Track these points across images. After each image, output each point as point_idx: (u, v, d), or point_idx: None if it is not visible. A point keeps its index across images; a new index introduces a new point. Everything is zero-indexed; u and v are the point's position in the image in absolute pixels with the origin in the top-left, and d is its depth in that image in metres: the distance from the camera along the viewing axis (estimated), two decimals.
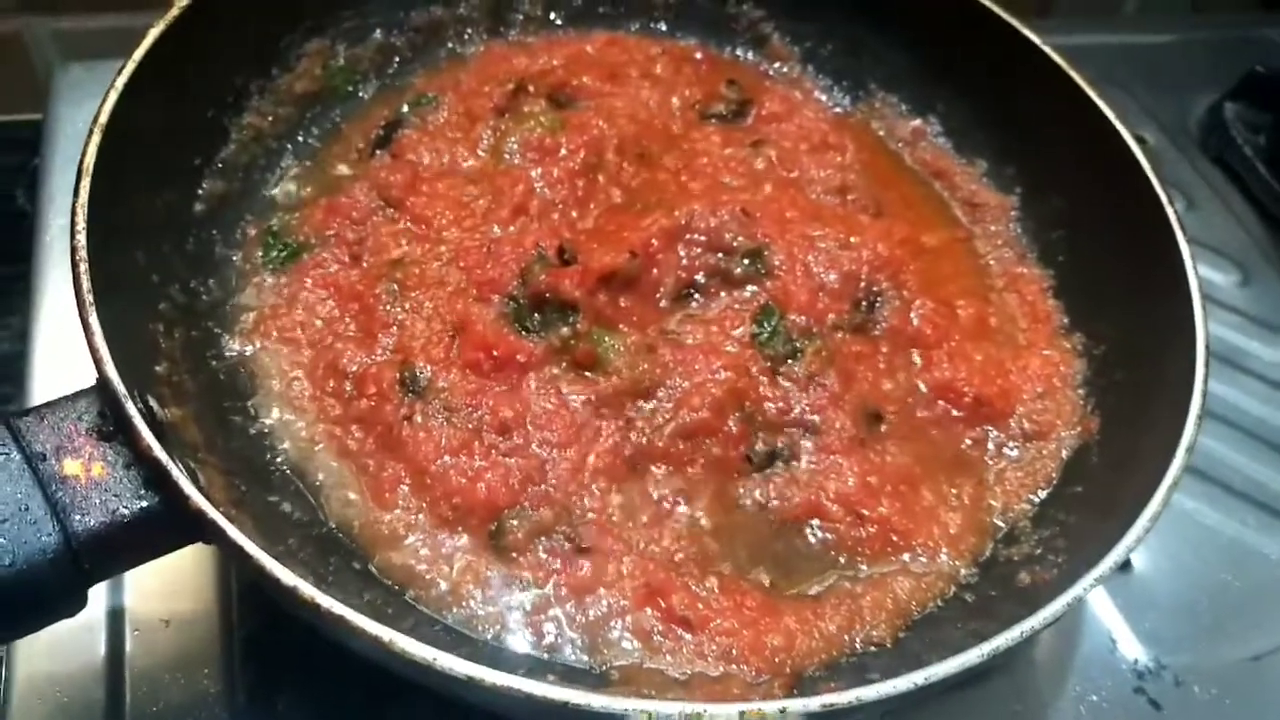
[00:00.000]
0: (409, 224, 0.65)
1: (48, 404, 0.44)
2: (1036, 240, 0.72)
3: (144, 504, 0.42)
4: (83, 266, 0.46)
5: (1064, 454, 0.60)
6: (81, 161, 0.50)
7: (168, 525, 0.42)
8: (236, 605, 0.56)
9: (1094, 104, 0.68)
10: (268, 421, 0.56)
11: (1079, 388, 0.63)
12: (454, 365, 0.58)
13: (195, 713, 0.54)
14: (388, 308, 0.60)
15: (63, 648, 0.55)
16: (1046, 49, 0.70)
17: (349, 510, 0.54)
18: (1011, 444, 0.61)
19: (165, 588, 0.57)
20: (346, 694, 0.53)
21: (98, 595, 0.56)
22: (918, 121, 0.78)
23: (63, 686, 0.54)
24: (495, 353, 0.58)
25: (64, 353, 0.64)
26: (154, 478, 0.42)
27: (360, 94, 0.73)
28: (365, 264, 0.63)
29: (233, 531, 0.40)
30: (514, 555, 0.53)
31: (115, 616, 0.56)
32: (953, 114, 0.77)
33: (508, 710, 0.42)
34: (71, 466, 0.42)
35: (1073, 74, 0.69)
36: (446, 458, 0.55)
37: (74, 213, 0.48)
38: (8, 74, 1.26)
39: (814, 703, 0.39)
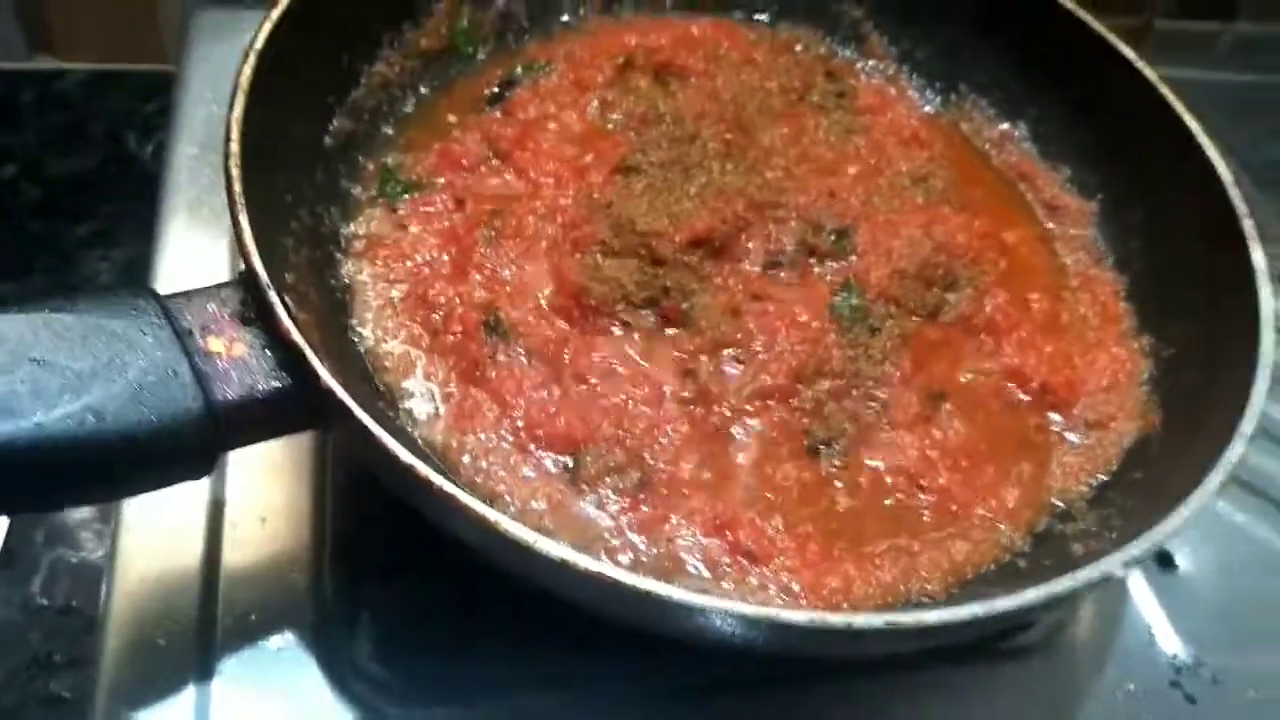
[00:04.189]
0: (512, 176, 0.69)
1: (195, 290, 0.48)
2: (1114, 246, 0.74)
3: (278, 383, 0.46)
4: (235, 172, 0.50)
5: (1125, 443, 0.62)
6: (237, 81, 0.55)
7: (297, 404, 0.46)
8: (330, 506, 0.60)
9: (1183, 123, 0.70)
10: (368, 340, 0.60)
11: (1143, 385, 0.65)
12: (539, 312, 0.61)
13: (283, 604, 0.57)
14: (483, 251, 0.64)
15: (165, 535, 0.59)
16: (1142, 67, 0.73)
17: (434, 428, 0.57)
18: (1074, 431, 0.64)
19: (263, 487, 0.61)
20: (429, 595, 0.57)
21: (200, 490, 0.61)
22: (1006, 126, 0.80)
23: (163, 567, 0.58)
24: (584, 301, 0.62)
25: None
26: (289, 361, 0.46)
27: (477, 55, 0.77)
28: (467, 210, 0.67)
29: (357, 410, 0.43)
30: (586, 489, 0.56)
31: (216, 509, 0.61)
32: (1042, 121, 0.79)
33: (591, 603, 0.45)
34: (215, 344, 0.46)
35: (1166, 92, 0.71)
36: (529, 393, 0.58)
37: (229, 125, 0.52)
38: (130, 24, 1.33)
39: (877, 620, 0.42)
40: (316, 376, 0.44)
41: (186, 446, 0.44)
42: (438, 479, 0.42)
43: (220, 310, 0.47)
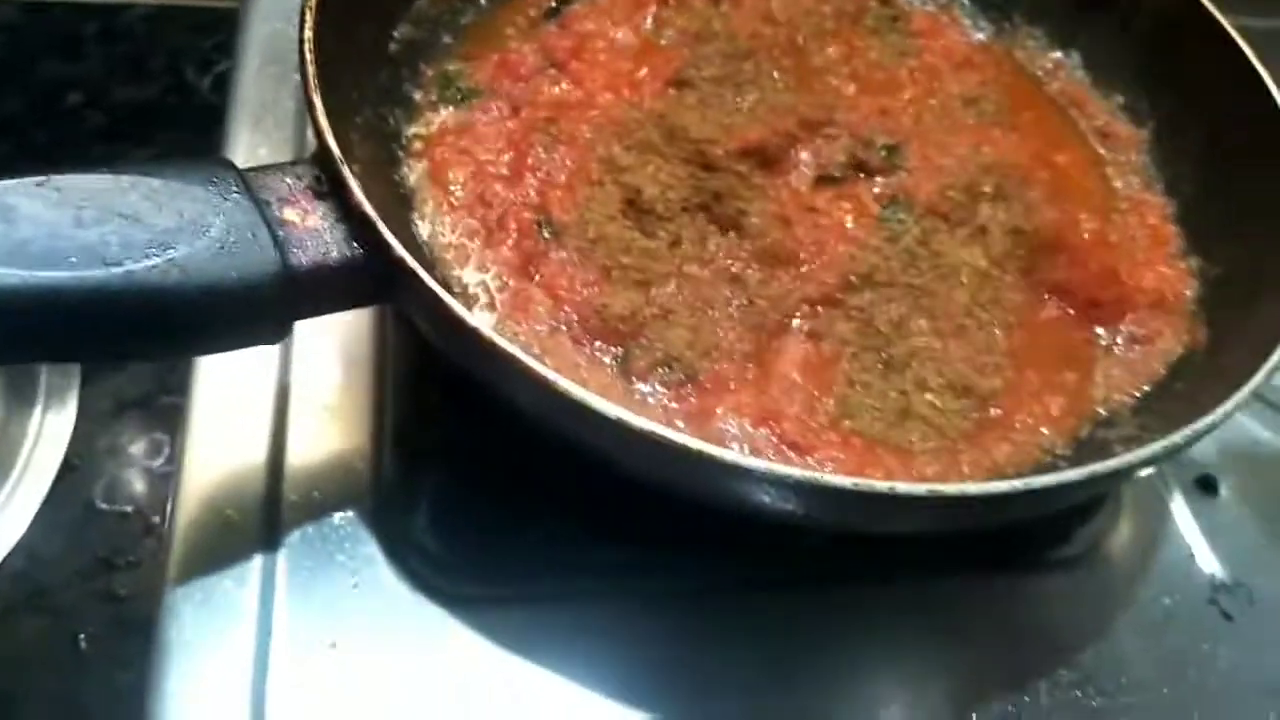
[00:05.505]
0: (568, 85, 0.70)
1: (270, 164, 0.50)
2: (1163, 171, 0.74)
3: (349, 253, 0.48)
4: (310, 55, 0.52)
5: (1170, 358, 0.63)
6: None
7: (367, 274, 0.48)
8: (391, 395, 0.62)
9: (1238, 50, 0.70)
10: (426, 233, 0.62)
11: (1191, 303, 0.66)
12: (591, 212, 0.63)
13: (345, 485, 0.60)
14: (539, 154, 0.65)
15: (234, 419, 0.62)
16: None
17: (490, 317, 0.59)
18: (1119, 344, 0.64)
19: (327, 376, 0.64)
20: (484, 479, 0.59)
21: (267, 378, 0.63)
22: (1059, 54, 0.80)
23: (232, 449, 0.61)
24: (636, 203, 0.63)
25: None
26: (360, 233, 0.48)
27: None
28: (523, 116, 0.68)
29: (425, 276, 0.45)
30: (636, 380, 0.58)
31: (281, 395, 0.63)
32: (1094, 50, 0.79)
33: (641, 467, 0.47)
34: (291, 213, 0.48)
35: (1220, 19, 0.71)
36: (580, 289, 0.60)
37: (303, 12, 0.54)
38: None
39: (920, 488, 0.43)
40: (387, 245, 0.46)
41: (263, 307, 0.46)
42: (501, 340, 0.44)
43: (295, 184, 0.49)
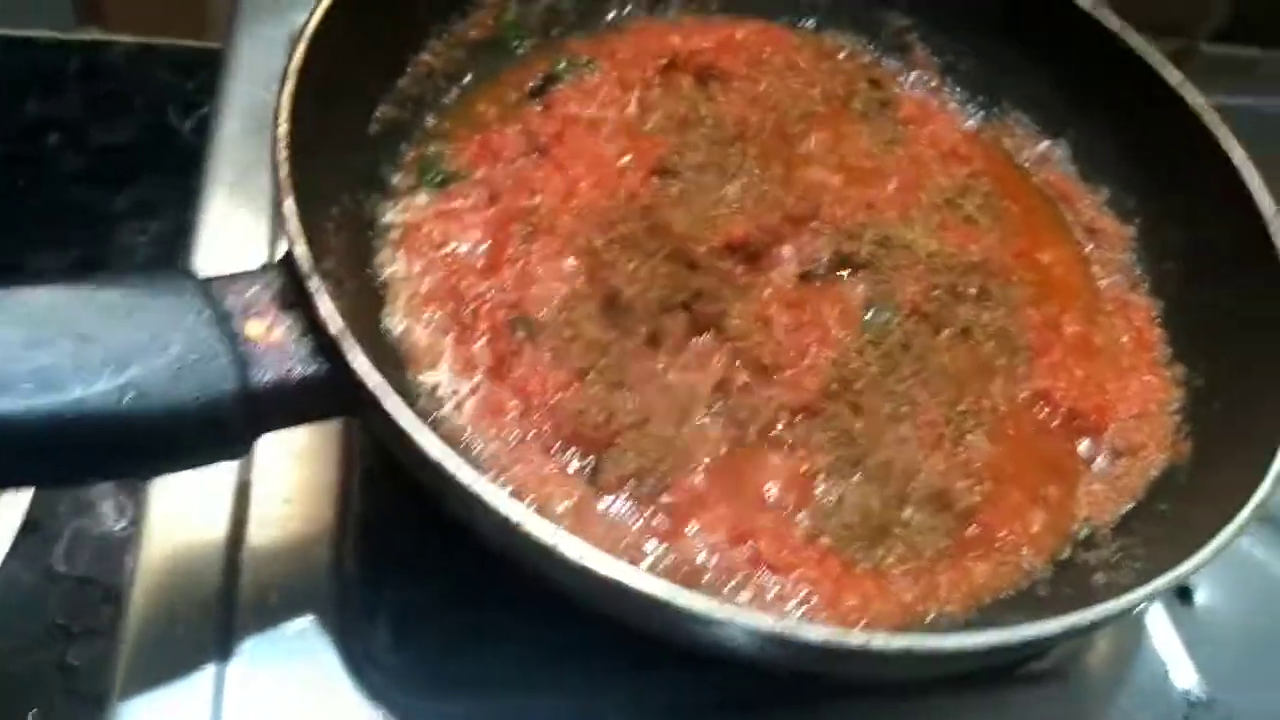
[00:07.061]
0: (550, 172, 0.68)
1: (238, 273, 0.49)
2: (1150, 271, 0.73)
3: (312, 369, 0.46)
4: (284, 155, 0.51)
5: (1152, 473, 0.62)
6: (288, 64, 0.55)
7: (331, 391, 0.47)
8: (356, 492, 0.61)
9: (1223, 151, 0.69)
10: (399, 330, 0.60)
11: (1174, 414, 0.65)
12: (569, 312, 0.61)
13: (304, 588, 0.58)
14: (517, 246, 0.64)
15: (190, 514, 0.60)
16: (1185, 91, 0.72)
17: (459, 421, 0.57)
18: (1102, 457, 0.63)
19: (290, 470, 0.62)
20: (450, 588, 0.57)
21: (227, 471, 0.61)
22: (1047, 144, 0.80)
23: (187, 545, 0.59)
24: (615, 303, 0.62)
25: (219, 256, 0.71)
26: (325, 346, 0.46)
27: (520, 49, 0.77)
28: (503, 203, 0.66)
29: (387, 401, 0.44)
30: (606, 492, 0.56)
31: (242, 490, 0.61)
32: (1082, 140, 0.79)
33: (608, 608, 0.45)
34: (254, 328, 0.46)
35: (1208, 118, 0.70)
36: (553, 393, 0.58)
37: (278, 107, 0.53)
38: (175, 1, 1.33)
39: (894, 642, 0.42)
40: (349, 365, 0.45)
41: (222, 427, 0.45)
42: (467, 475, 0.43)
43: (262, 293, 0.47)
